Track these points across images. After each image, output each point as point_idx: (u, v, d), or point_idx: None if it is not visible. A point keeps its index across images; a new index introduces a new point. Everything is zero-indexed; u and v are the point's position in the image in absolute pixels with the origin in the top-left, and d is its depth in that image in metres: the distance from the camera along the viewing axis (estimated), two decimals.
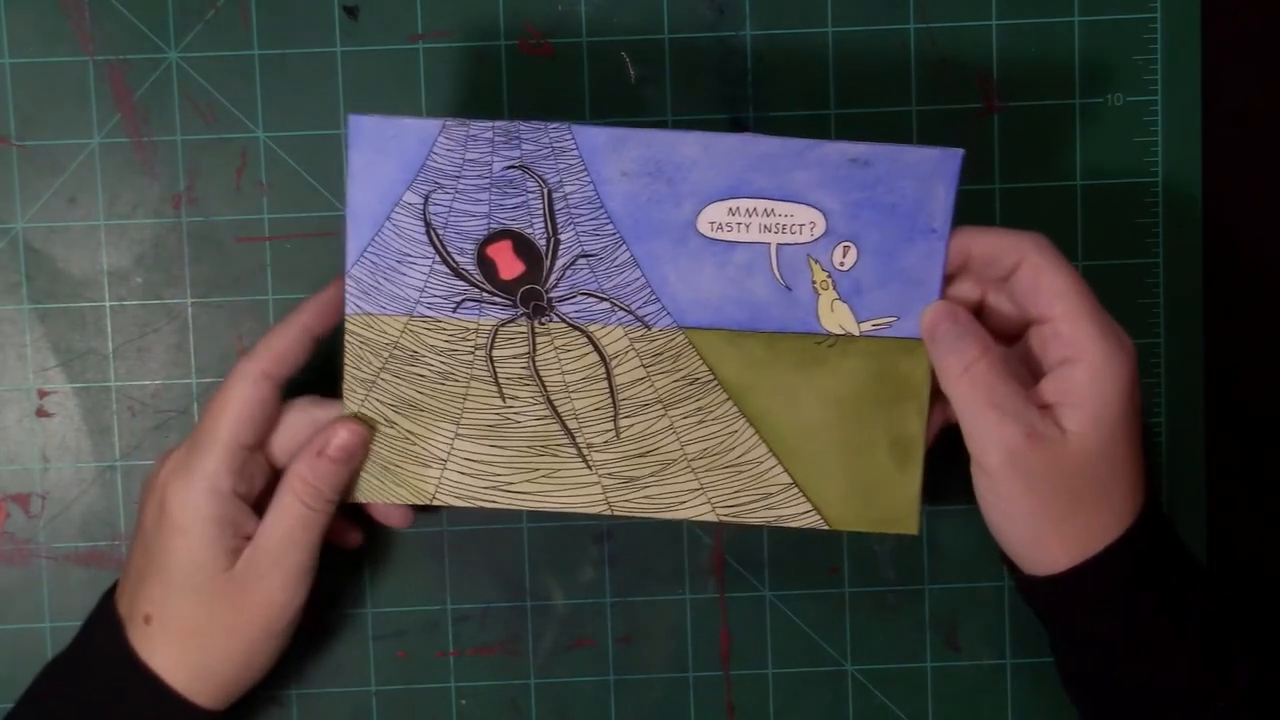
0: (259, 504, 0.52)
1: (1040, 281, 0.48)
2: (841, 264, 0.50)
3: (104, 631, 0.51)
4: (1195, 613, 0.49)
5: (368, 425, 0.51)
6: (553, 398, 0.51)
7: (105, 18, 0.58)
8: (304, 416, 0.52)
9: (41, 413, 0.59)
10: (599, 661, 0.60)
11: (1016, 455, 0.47)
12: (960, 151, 0.49)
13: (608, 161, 0.49)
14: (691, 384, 0.51)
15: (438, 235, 0.50)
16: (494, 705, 0.60)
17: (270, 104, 0.58)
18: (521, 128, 0.49)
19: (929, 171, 0.49)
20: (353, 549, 0.57)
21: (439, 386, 0.51)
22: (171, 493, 0.50)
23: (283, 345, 0.51)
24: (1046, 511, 0.48)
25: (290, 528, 0.50)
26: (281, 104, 0.58)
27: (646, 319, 0.50)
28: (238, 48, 0.58)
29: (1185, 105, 0.59)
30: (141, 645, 0.50)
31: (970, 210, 0.59)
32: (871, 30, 0.58)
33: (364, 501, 0.52)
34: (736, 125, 0.58)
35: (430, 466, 0.51)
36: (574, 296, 0.50)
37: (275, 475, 0.53)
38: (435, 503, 0.52)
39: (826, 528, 0.51)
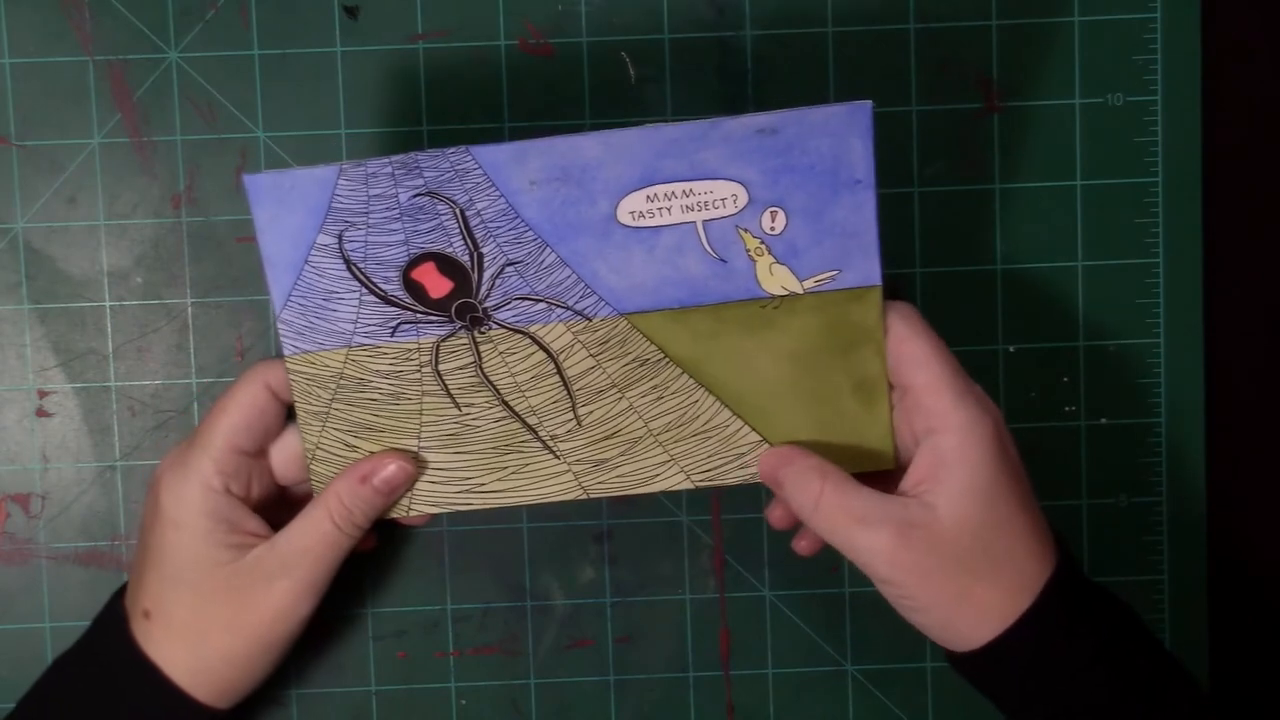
0: (261, 511, 0.52)
1: (904, 352, 0.49)
2: (772, 229, 0.49)
3: (109, 626, 0.52)
4: (1132, 659, 0.49)
5: (417, 463, 0.51)
6: (507, 399, 0.51)
7: (105, 18, 0.58)
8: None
9: (41, 413, 0.59)
10: (599, 661, 0.60)
11: (896, 555, 0.47)
12: (869, 103, 0.48)
13: (513, 175, 0.49)
14: (643, 365, 0.51)
15: (359, 269, 0.50)
16: (494, 705, 0.60)
17: (270, 104, 0.58)
18: (419, 158, 0.49)
19: (841, 128, 0.48)
20: (367, 551, 0.57)
21: (393, 407, 0.51)
22: (165, 487, 0.50)
23: None
24: (946, 592, 0.48)
25: (311, 541, 0.50)
26: (281, 104, 0.58)
27: (586, 311, 0.50)
28: (238, 48, 0.58)
29: (1185, 105, 0.59)
30: (143, 639, 0.50)
31: (971, 210, 0.59)
32: (871, 30, 0.58)
33: None
34: None
35: None
36: (509, 303, 0.50)
37: (277, 487, 0.53)
38: (412, 513, 0.52)
39: None
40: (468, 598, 0.59)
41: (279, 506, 0.53)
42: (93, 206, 0.58)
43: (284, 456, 0.52)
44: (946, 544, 0.47)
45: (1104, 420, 0.59)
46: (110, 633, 0.51)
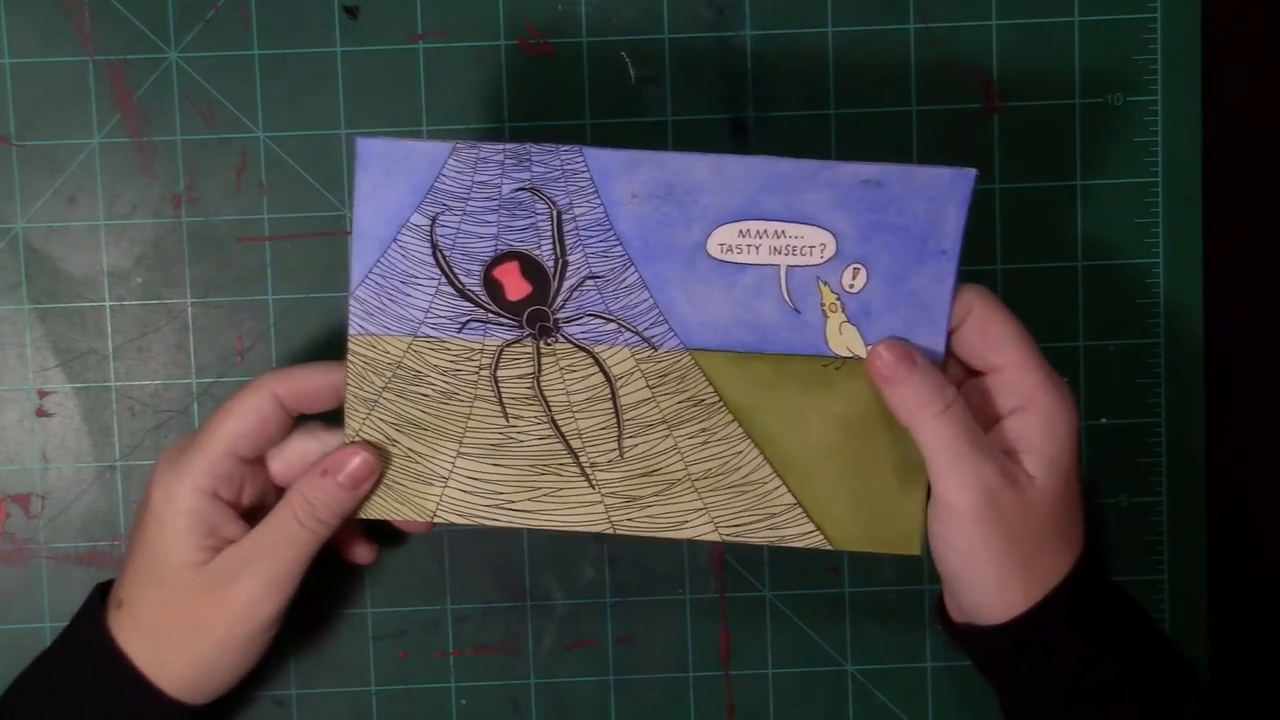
0: (254, 515, 0.51)
1: (989, 331, 0.49)
2: (851, 286, 0.49)
3: (86, 615, 0.52)
4: (1141, 650, 0.49)
5: (380, 456, 0.51)
6: (557, 418, 0.51)
7: (105, 18, 0.58)
8: (312, 441, 0.51)
9: (41, 413, 0.59)
10: (599, 661, 0.60)
11: (992, 495, 0.47)
12: (973, 172, 0.48)
13: (619, 183, 0.49)
14: (696, 405, 0.50)
15: (444, 257, 0.49)
16: (494, 705, 0.60)
17: (270, 104, 0.58)
18: (532, 150, 0.49)
19: (940, 193, 0.48)
20: (363, 565, 0.57)
21: (442, 406, 0.51)
22: (155, 481, 0.50)
23: (307, 383, 0.51)
24: (1014, 554, 0.48)
25: (274, 538, 0.50)
26: (281, 104, 0.58)
27: (653, 340, 0.50)
28: (238, 48, 0.58)
29: (1185, 105, 0.59)
30: (115, 628, 0.51)
31: (971, 210, 0.59)
32: (871, 30, 0.58)
33: (365, 518, 0.52)
34: (736, 125, 0.59)
35: (432, 484, 0.51)
36: (580, 318, 0.50)
37: (275, 491, 0.53)
38: (436, 520, 0.51)
39: (829, 548, 0.51)
40: (468, 598, 0.59)
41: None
42: (93, 206, 0.58)
43: (286, 460, 0.52)
44: (1030, 508, 0.48)
45: (1104, 420, 0.59)
46: (86, 620, 0.52)
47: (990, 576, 0.48)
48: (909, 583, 0.59)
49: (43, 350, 0.59)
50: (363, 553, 0.56)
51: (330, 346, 0.59)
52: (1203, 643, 0.60)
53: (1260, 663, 0.61)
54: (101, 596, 0.52)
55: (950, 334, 0.49)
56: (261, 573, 0.50)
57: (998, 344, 0.49)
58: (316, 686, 0.59)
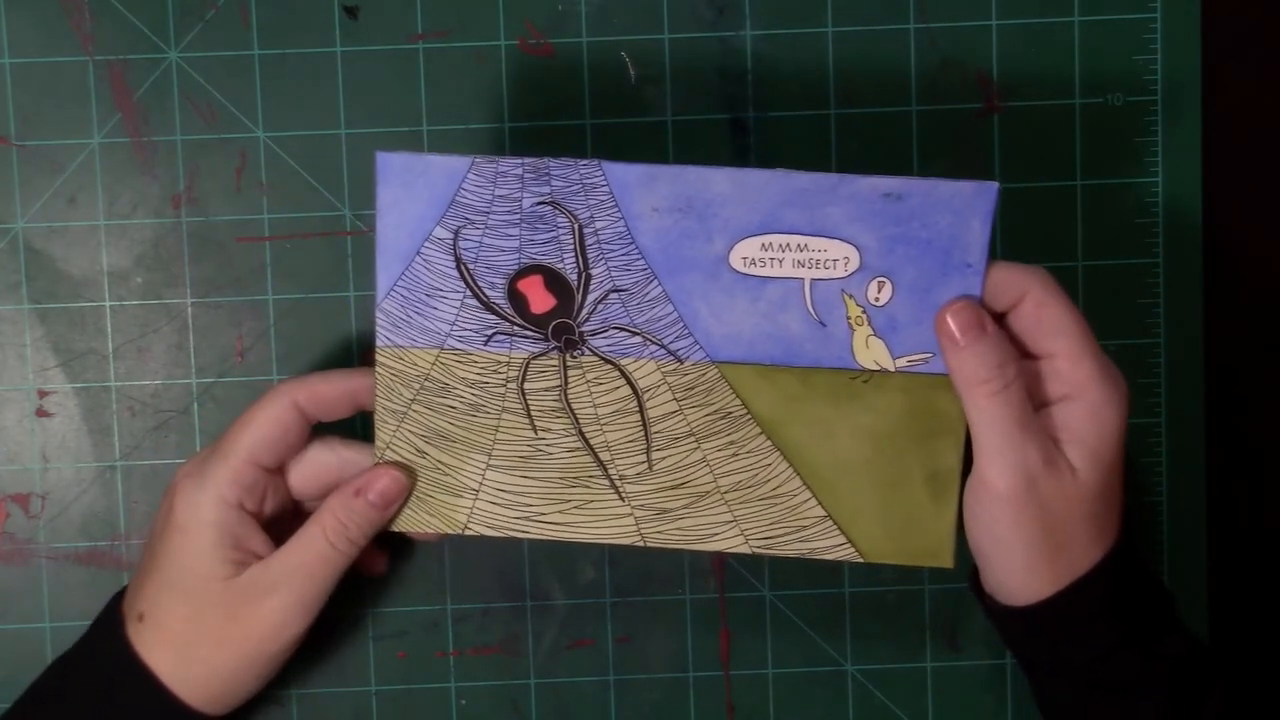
0: (272, 526, 0.52)
1: (1043, 316, 0.48)
2: (876, 299, 0.49)
3: (104, 627, 0.52)
4: (1165, 646, 0.49)
5: (410, 476, 0.51)
6: (585, 430, 0.51)
7: (105, 18, 0.58)
8: (329, 454, 0.52)
9: (41, 413, 0.59)
10: (599, 661, 0.60)
11: (1033, 481, 0.47)
12: (995, 186, 0.48)
13: (638, 198, 0.49)
14: (724, 418, 0.50)
15: (468, 270, 0.50)
16: (494, 705, 0.60)
17: (270, 104, 0.58)
18: (551, 165, 0.49)
19: (964, 206, 0.48)
20: (378, 576, 0.57)
21: (470, 418, 0.51)
22: (179, 494, 0.50)
23: (326, 390, 0.51)
24: (1045, 541, 0.47)
25: (307, 558, 0.50)
26: (281, 104, 0.58)
27: (679, 353, 0.50)
28: (238, 48, 0.58)
29: (1185, 105, 0.59)
30: (137, 642, 0.50)
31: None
32: (871, 30, 0.58)
33: (396, 530, 0.52)
34: (736, 125, 0.59)
35: (462, 496, 0.51)
36: (606, 330, 0.50)
37: (291, 502, 0.53)
38: (468, 532, 0.51)
39: (861, 560, 0.51)
40: (468, 598, 0.60)
41: (293, 521, 0.53)
42: (93, 206, 0.58)
43: (304, 474, 0.52)
44: (1067, 498, 0.47)
45: None
46: (105, 634, 0.52)
47: (1018, 560, 0.48)
48: (909, 583, 0.59)
49: (43, 350, 0.59)
50: (378, 564, 0.57)
51: (331, 347, 0.59)
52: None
53: (1261, 663, 0.61)
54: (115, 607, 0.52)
55: (1005, 314, 0.49)
56: (294, 592, 0.50)
57: (1051, 332, 0.48)
58: (316, 686, 0.59)
